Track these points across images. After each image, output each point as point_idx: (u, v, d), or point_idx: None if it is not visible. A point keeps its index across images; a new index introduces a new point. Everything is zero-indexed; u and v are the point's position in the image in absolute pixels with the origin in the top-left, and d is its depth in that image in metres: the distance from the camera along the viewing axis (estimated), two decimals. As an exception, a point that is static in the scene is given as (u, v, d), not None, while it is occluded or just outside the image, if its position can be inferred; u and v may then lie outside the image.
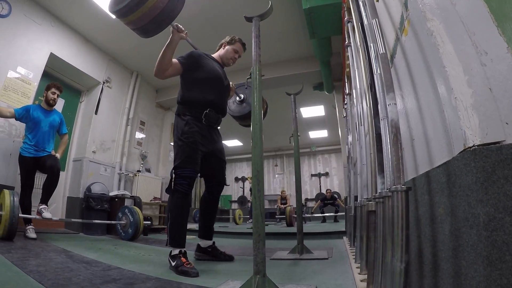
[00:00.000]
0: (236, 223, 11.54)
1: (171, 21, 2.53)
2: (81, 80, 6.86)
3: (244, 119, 3.74)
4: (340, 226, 6.99)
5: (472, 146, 0.93)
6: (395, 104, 1.28)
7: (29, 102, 5.15)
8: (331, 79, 7.37)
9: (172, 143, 8.99)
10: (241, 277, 1.99)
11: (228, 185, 3.76)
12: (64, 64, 6.17)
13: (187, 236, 2.89)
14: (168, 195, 2.83)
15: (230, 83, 3.45)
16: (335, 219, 10.61)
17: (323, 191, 14.50)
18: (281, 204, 12.44)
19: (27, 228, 4.18)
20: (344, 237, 5.07)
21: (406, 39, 1.53)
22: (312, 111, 11.06)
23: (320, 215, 11.02)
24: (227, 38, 3.35)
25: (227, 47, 3.32)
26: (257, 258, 1.68)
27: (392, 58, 1.88)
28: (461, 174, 0.99)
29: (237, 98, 3.79)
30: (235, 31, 3.68)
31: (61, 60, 6.03)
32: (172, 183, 2.78)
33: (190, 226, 5.25)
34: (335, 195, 11.58)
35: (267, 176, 17.45)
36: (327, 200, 11.32)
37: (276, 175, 17.28)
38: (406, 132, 1.73)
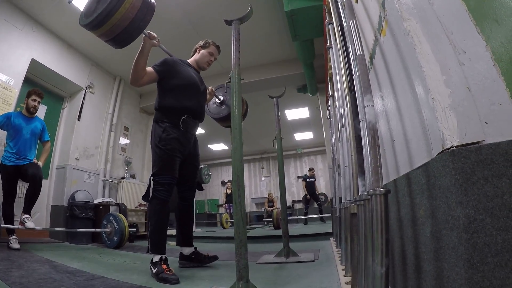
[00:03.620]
0: (224, 227, 11.45)
1: (141, 31, 2.50)
2: (64, 86, 6.72)
3: (223, 120, 3.72)
4: (327, 227, 7.00)
5: (450, 147, 0.92)
6: (373, 106, 1.27)
7: (11, 109, 4.99)
8: (314, 81, 7.38)
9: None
10: (226, 283, 1.96)
11: (203, 190, 3.70)
12: (46, 70, 6.03)
13: (170, 242, 2.85)
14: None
15: (210, 87, 3.48)
16: (321, 219, 10.53)
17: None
18: (268, 207, 12.45)
19: (10, 238, 4.06)
20: (331, 238, 5.07)
21: (384, 39, 1.53)
22: (296, 113, 11.06)
23: (303, 217, 10.97)
24: (201, 43, 3.37)
25: (202, 51, 3.32)
26: (239, 264, 1.66)
27: (371, 59, 1.88)
28: (440, 176, 0.98)
29: (217, 100, 3.77)
30: (219, 35, 3.66)
31: (43, 66, 5.89)
32: (151, 190, 2.79)
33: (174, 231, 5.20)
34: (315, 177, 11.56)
35: (254, 179, 17.45)
36: (309, 178, 11.32)
37: (263, 178, 17.27)
38: (386, 133, 1.73)
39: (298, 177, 16.60)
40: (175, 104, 2.93)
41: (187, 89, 3.02)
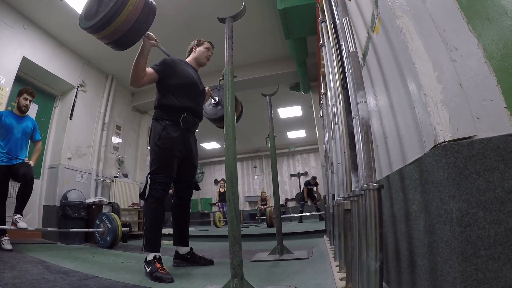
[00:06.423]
0: (217, 226, 11.43)
1: (145, 32, 2.48)
2: (55, 84, 6.63)
3: (219, 121, 3.71)
4: (321, 225, 7.02)
5: (442, 142, 0.93)
6: (366, 102, 1.28)
7: (1, 108, 4.92)
8: (307, 79, 7.39)
9: (149, 147, 8.80)
10: (220, 281, 1.96)
11: (200, 189, 3.68)
12: (37, 68, 5.94)
13: (165, 242, 2.84)
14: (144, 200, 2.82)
15: (206, 87, 3.45)
16: (321, 218, 10.50)
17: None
18: (262, 205, 12.45)
19: (2, 239, 4.01)
20: (325, 236, 5.09)
21: (377, 37, 1.54)
22: (289, 111, 11.09)
23: (298, 214, 11.05)
24: (194, 42, 3.37)
25: (198, 48, 3.32)
26: (234, 261, 1.66)
27: (364, 56, 1.89)
28: (433, 171, 0.99)
29: (212, 101, 3.76)
30: (211, 32, 3.66)
31: (34, 64, 5.81)
32: (147, 188, 2.77)
33: (168, 231, 5.18)
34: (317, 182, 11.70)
35: (247, 177, 17.46)
36: (310, 186, 11.51)
37: (256, 177, 17.27)
38: (379, 130, 1.74)
39: (292, 175, 16.64)
40: (175, 102, 2.92)
41: (187, 88, 3.01)
